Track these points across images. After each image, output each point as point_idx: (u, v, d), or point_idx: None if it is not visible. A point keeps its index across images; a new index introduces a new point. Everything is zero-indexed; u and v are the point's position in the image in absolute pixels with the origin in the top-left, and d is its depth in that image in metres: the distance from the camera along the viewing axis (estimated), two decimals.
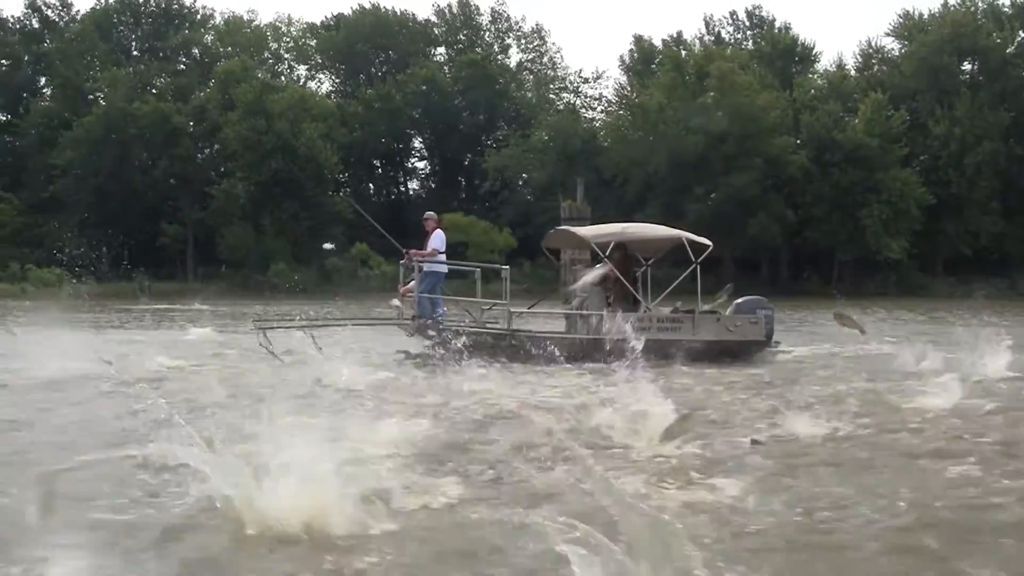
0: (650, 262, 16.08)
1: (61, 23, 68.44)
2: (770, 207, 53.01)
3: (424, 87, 65.13)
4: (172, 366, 12.50)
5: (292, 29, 73.07)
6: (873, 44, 65.02)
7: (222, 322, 24.25)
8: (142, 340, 18.12)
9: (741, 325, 14.21)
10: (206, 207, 59.91)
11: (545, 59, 73.98)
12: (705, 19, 74.10)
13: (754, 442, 7.01)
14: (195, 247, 59.65)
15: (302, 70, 73.23)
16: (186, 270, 59.18)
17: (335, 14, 72.14)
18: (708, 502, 5.24)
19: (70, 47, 64.85)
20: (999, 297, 39.75)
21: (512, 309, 14.54)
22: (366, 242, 53.05)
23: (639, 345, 8.03)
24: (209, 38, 70.45)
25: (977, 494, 5.48)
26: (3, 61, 66.39)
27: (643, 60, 66.94)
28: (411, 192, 70.76)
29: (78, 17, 68.31)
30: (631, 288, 14.60)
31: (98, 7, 68.15)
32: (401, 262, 15.61)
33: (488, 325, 14.69)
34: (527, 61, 74.12)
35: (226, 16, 72.06)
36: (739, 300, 14.93)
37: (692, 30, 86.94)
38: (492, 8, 73.88)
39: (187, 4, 69.78)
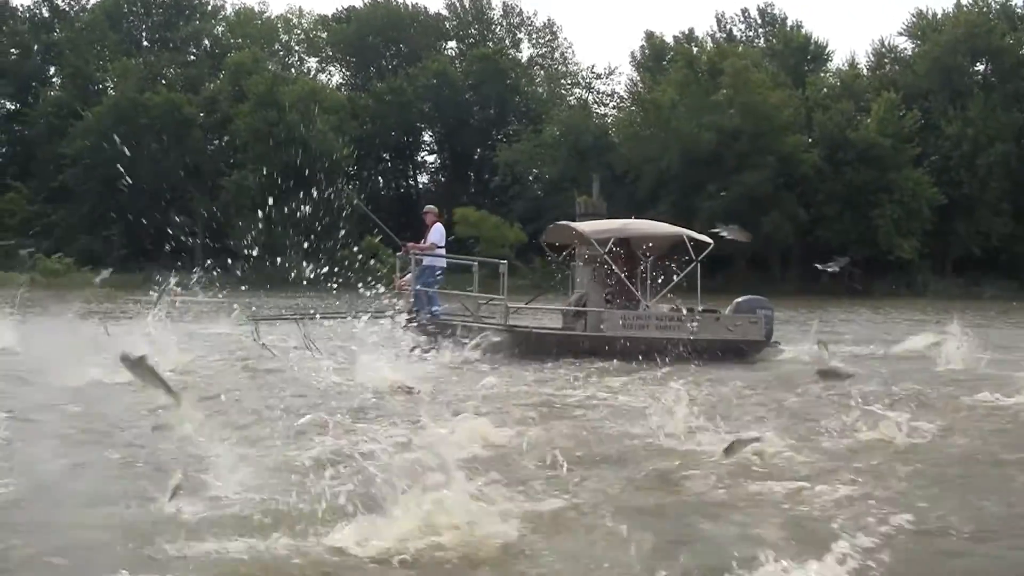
0: (650, 259, 15.94)
1: (71, 12, 68.42)
2: (783, 205, 52.64)
3: (435, 81, 64.87)
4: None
5: (303, 21, 73.28)
6: (886, 43, 64.79)
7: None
8: (206, 332, 16.78)
9: (741, 324, 14.13)
10: (216, 198, 59.89)
11: (556, 54, 73.93)
12: (717, 16, 73.71)
13: None
14: (205, 238, 59.57)
15: (312, 63, 73.32)
16: (194, 261, 59.05)
17: (346, 7, 72.10)
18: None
19: (80, 37, 64.83)
20: (1008, 298, 39.47)
21: (509, 304, 14.43)
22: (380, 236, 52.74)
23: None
24: (220, 29, 70.50)
25: None
26: (13, 50, 66.18)
27: (654, 57, 66.55)
28: (421, 186, 70.52)
29: (88, 7, 68.21)
30: (630, 285, 14.48)
31: None
32: (398, 255, 15.52)
33: (485, 320, 14.58)
34: (538, 56, 74.02)
35: (237, 8, 72.32)
36: (739, 299, 14.87)
37: (704, 27, 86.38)
38: (504, 2, 73.66)
39: None
